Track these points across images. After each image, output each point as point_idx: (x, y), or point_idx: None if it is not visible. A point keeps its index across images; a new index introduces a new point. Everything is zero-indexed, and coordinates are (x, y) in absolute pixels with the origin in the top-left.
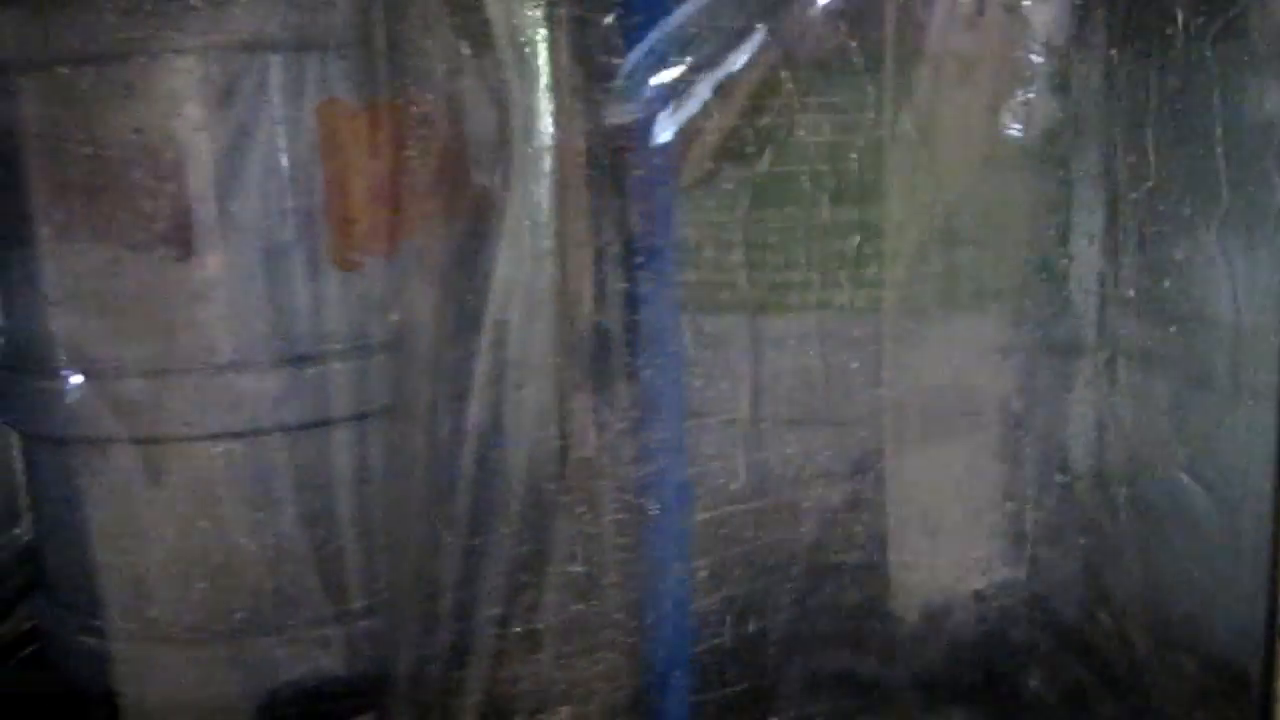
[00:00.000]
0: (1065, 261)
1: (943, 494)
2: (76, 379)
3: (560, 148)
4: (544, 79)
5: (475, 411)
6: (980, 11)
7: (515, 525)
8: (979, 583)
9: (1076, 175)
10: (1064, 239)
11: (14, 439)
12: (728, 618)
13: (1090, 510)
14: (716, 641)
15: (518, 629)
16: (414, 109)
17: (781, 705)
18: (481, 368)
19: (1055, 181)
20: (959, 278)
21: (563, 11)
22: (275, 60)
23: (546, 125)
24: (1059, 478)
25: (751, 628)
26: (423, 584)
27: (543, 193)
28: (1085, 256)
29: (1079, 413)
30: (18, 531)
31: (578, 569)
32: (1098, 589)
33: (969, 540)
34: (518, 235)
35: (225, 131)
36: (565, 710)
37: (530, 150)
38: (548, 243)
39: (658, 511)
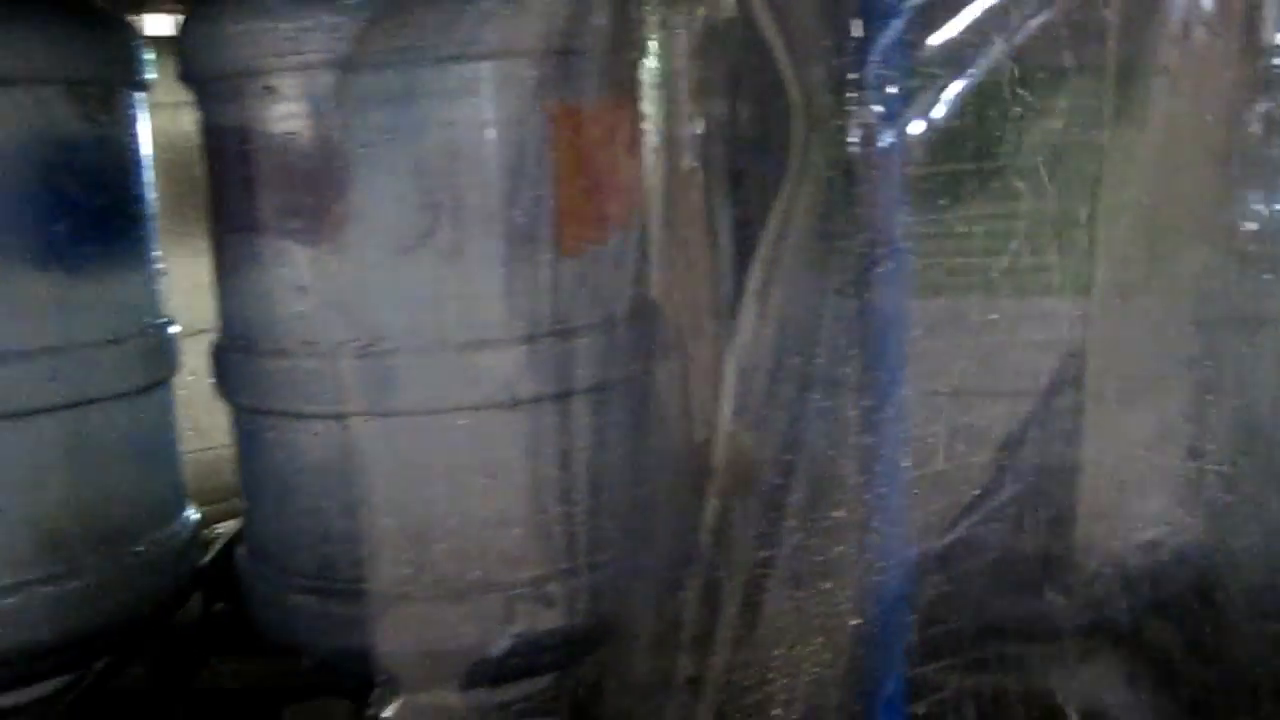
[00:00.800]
0: (1257, 246)
1: (1134, 452)
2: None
3: (808, 147)
4: (796, 83)
5: (725, 399)
6: (1193, 28)
7: (754, 499)
8: (1160, 533)
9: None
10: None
11: None
12: (939, 563)
13: (1272, 469)
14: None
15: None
16: (634, 111)
17: (981, 643)
18: (735, 351)
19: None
20: (1160, 260)
21: (809, 20)
22: (526, 64)
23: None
24: (1242, 438)
25: (958, 572)
26: (663, 546)
27: (803, 189)
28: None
29: (1265, 379)
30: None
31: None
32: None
33: (1154, 494)
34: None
35: (496, 131)
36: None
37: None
38: (793, 233)
39: (886, 481)
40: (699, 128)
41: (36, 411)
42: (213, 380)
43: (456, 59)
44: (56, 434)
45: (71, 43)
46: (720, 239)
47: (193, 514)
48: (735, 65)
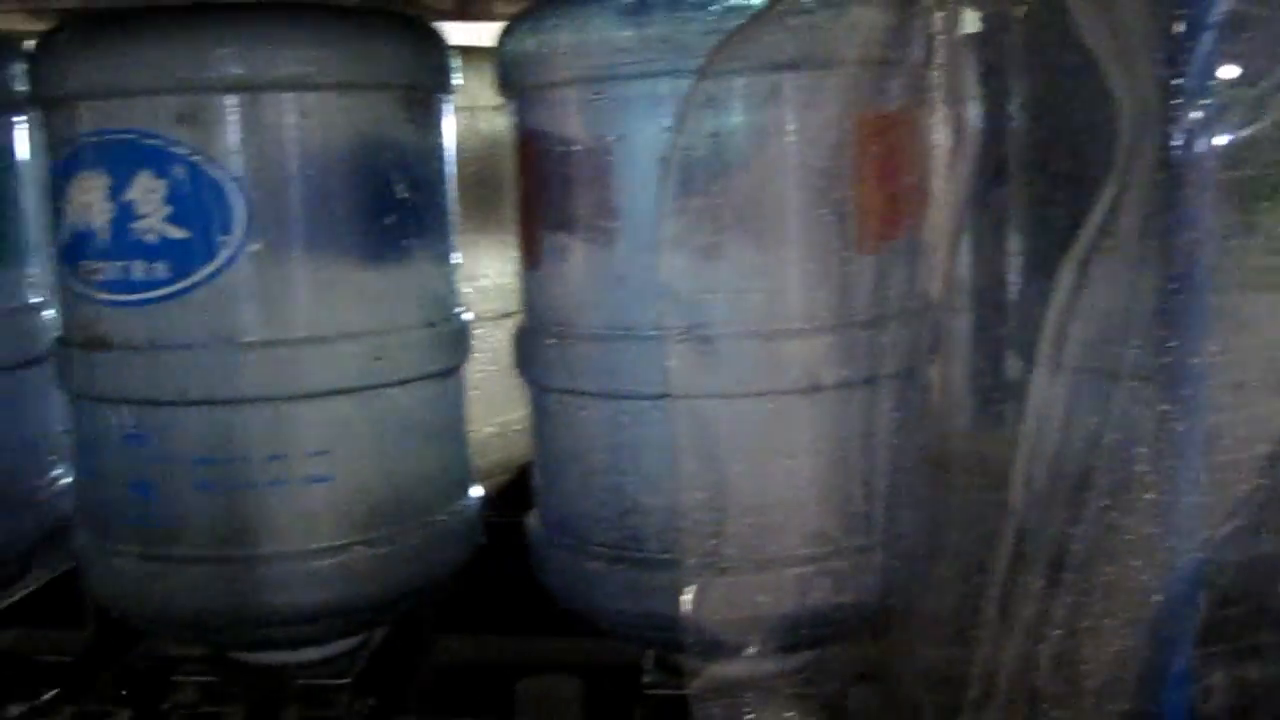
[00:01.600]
0: None
1: None
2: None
3: (1134, 147)
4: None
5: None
6: None
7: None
8: None
9: None
10: None
11: None
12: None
13: None
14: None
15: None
16: (927, 115)
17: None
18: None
19: None
20: None
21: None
22: (839, 74)
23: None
24: None
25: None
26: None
27: (1127, 188)
28: None
29: None
30: None
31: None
32: None
33: None
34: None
35: (805, 137)
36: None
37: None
38: (1115, 231)
39: (1190, 468)
40: (988, 127)
41: (364, 388)
42: (515, 362)
43: (775, 69)
44: (380, 410)
45: (401, 50)
46: (1005, 240)
47: (478, 489)
48: (1026, 66)
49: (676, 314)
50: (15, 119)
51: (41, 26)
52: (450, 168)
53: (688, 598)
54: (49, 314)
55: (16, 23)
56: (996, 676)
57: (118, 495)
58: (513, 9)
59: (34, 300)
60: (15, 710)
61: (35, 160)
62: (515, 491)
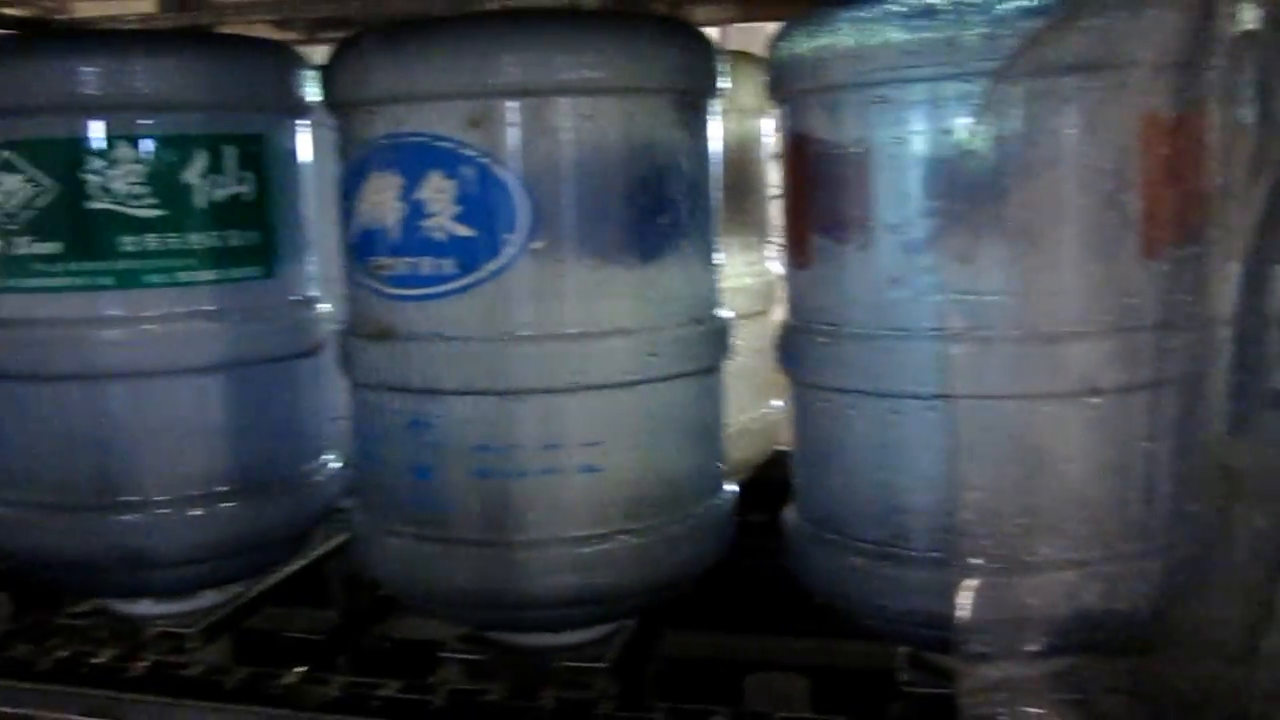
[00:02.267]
0: None
1: None
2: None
3: None
4: None
5: None
6: None
7: None
8: None
9: None
10: None
11: None
12: None
13: None
14: None
15: None
16: (1213, 118)
17: None
18: None
19: None
20: None
21: None
22: (1130, 77)
23: None
24: None
25: None
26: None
27: None
28: None
29: None
30: None
31: None
32: None
33: None
34: None
35: (1090, 139)
36: None
37: None
38: None
39: None
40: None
41: (636, 383)
42: (779, 359)
43: (1065, 71)
44: (649, 404)
45: (675, 56)
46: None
47: (732, 487)
48: None
49: (955, 315)
50: (299, 124)
51: (293, 36)
52: (716, 169)
53: (956, 597)
54: (324, 307)
55: (265, 33)
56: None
57: (397, 479)
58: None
59: (310, 294)
60: (289, 679)
61: (317, 163)
62: (748, 491)
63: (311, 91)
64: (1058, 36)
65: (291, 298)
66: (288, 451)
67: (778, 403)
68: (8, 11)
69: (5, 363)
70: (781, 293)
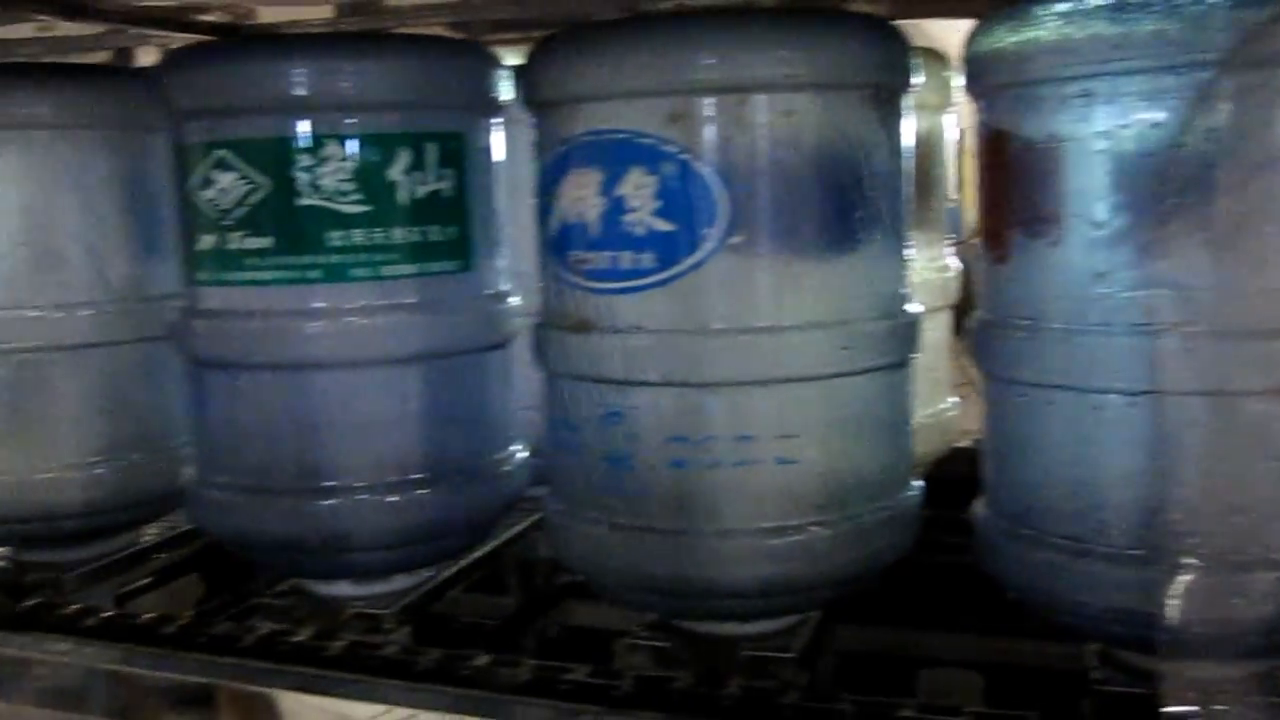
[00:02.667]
0: None
1: None
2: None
3: None
4: None
5: None
6: None
7: None
8: None
9: None
10: None
11: None
12: None
13: None
14: None
15: None
16: None
17: None
18: None
19: None
20: None
21: None
22: None
23: None
24: None
25: None
26: None
27: None
28: None
29: None
30: None
31: None
32: None
33: None
34: None
35: None
36: None
37: None
38: None
39: None
40: None
41: (830, 376)
42: (973, 354)
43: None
44: (843, 398)
45: (871, 51)
46: None
47: (919, 483)
48: None
49: (1164, 311)
50: (494, 121)
51: (462, 38)
52: (909, 164)
53: (1159, 595)
54: (514, 301)
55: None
56: None
57: (592, 468)
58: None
59: (503, 288)
60: (480, 661)
61: (509, 160)
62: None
63: (505, 90)
64: (1275, 30)
65: (486, 291)
66: (479, 441)
67: (954, 399)
68: (204, 18)
69: (216, 352)
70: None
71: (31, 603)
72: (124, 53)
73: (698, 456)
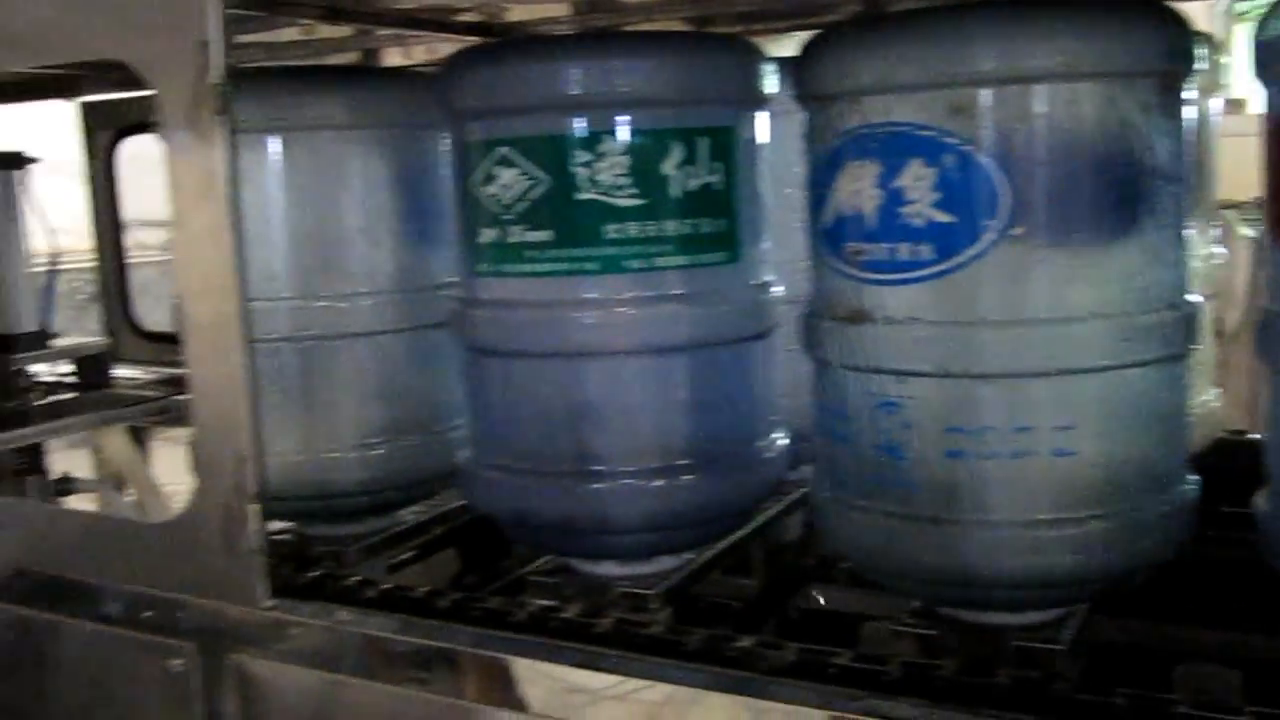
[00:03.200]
0: None
1: None
2: None
3: None
4: None
5: None
6: None
7: None
8: None
9: None
10: None
11: None
12: None
13: None
14: None
15: None
16: None
17: None
18: None
19: None
20: None
21: None
22: None
23: None
24: None
25: None
26: None
27: None
28: None
29: None
30: None
31: None
32: None
33: None
34: None
35: None
36: None
37: None
38: None
39: None
40: None
41: (1111, 368)
42: (1256, 345)
43: None
44: (1123, 389)
45: (1152, 37)
46: None
47: (1195, 477)
48: None
49: None
50: (760, 115)
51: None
52: (1190, 153)
53: None
54: (777, 291)
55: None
56: None
57: (865, 457)
58: None
59: (767, 279)
60: (744, 643)
61: (773, 151)
62: None
63: (771, 83)
64: None
65: (751, 281)
66: (743, 428)
67: (1217, 390)
68: (458, 18)
69: (495, 341)
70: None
71: (316, 574)
72: (371, 53)
73: (974, 447)
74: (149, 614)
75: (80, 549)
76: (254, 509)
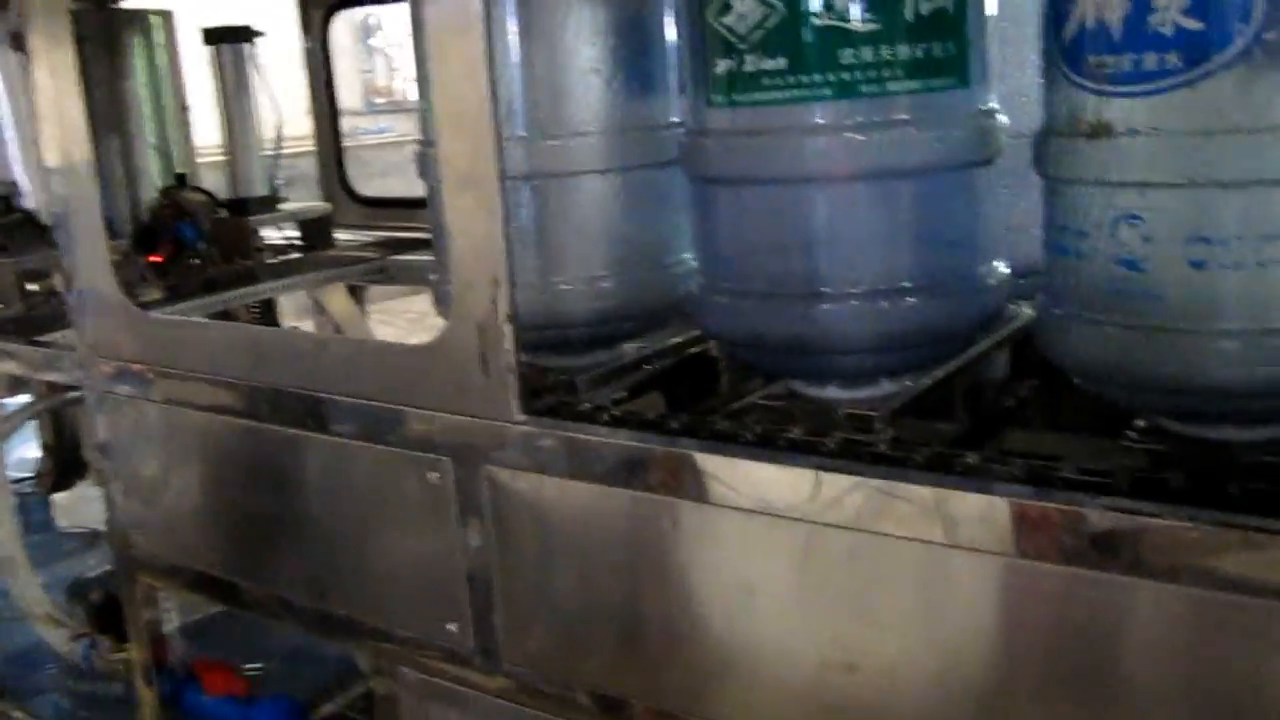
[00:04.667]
0: None
1: None
2: None
3: None
4: None
5: None
6: None
7: None
8: None
9: None
10: None
11: None
12: None
13: None
14: None
15: None
16: None
17: None
18: None
19: None
20: None
21: None
22: None
23: None
24: None
25: None
26: None
27: None
28: None
29: None
30: None
31: None
32: None
33: None
34: None
35: None
36: None
37: None
38: None
39: None
40: None
41: None
42: None
43: None
44: None
45: None
46: None
47: None
48: None
49: None
50: None
51: None
52: None
53: None
54: (1003, 118)
55: None
56: None
57: (1100, 271)
58: None
59: (993, 104)
60: (970, 459)
61: None
62: None
63: None
64: None
65: (980, 107)
66: (965, 254)
67: None
68: None
69: (729, 168)
70: None
71: (551, 400)
72: None
73: (1218, 257)
74: (408, 430)
75: (344, 373)
76: (508, 328)
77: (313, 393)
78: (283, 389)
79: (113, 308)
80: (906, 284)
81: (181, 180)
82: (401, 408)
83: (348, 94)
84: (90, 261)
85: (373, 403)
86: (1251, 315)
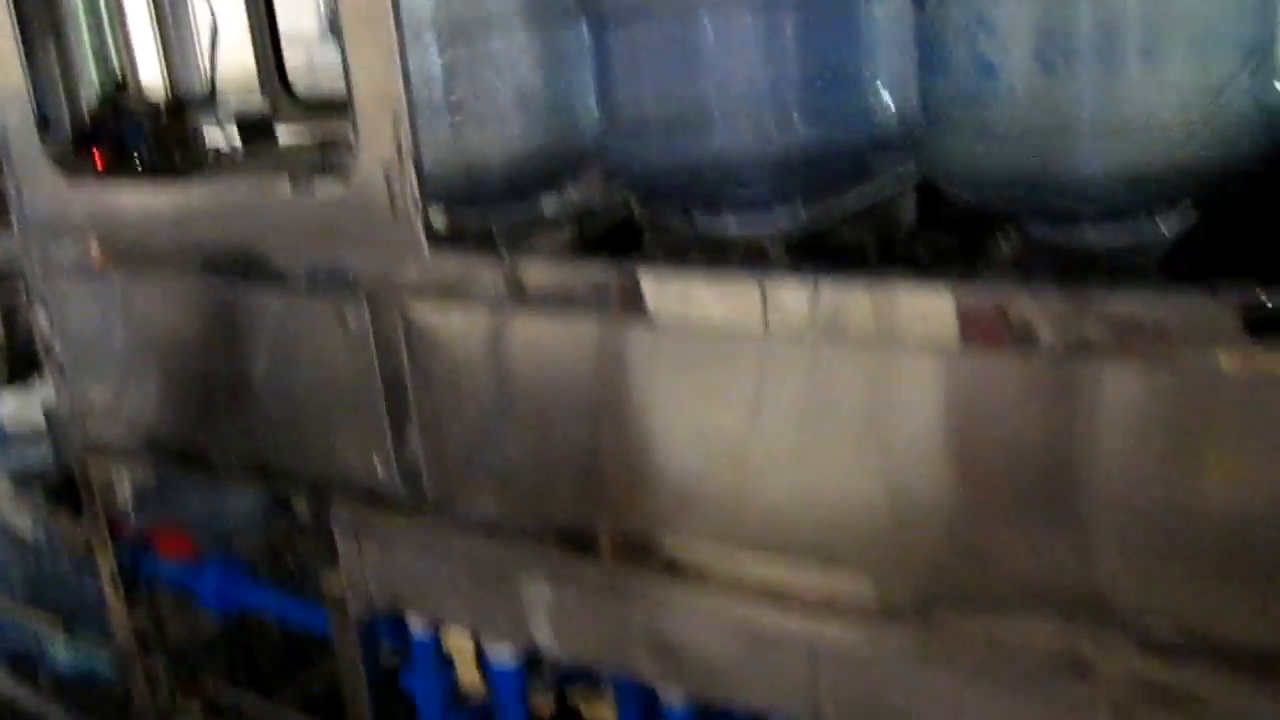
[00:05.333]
0: None
1: None
2: None
3: None
4: None
5: None
6: None
7: None
8: None
9: None
10: None
11: None
12: None
13: None
14: None
15: None
16: None
17: None
18: None
19: None
20: None
21: None
22: None
23: None
24: None
25: None
26: None
27: None
28: None
29: None
30: None
31: None
32: None
33: None
34: None
35: None
36: None
37: None
38: None
39: None
40: None
41: None
42: None
43: None
44: None
45: None
46: None
47: None
48: None
49: None
50: None
51: None
52: None
53: None
54: None
55: None
56: None
57: (965, 80)
58: None
59: None
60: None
61: None
62: None
63: None
64: None
65: None
66: (848, 81)
67: None
68: None
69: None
70: None
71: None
72: None
73: (1067, 60)
74: (326, 276)
75: (271, 223)
76: (411, 164)
77: (241, 246)
78: (212, 243)
79: (46, 181)
80: (791, 111)
81: (122, 84)
82: (318, 256)
83: None
84: (24, 150)
85: (297, 252)
86: (1101, 114)
